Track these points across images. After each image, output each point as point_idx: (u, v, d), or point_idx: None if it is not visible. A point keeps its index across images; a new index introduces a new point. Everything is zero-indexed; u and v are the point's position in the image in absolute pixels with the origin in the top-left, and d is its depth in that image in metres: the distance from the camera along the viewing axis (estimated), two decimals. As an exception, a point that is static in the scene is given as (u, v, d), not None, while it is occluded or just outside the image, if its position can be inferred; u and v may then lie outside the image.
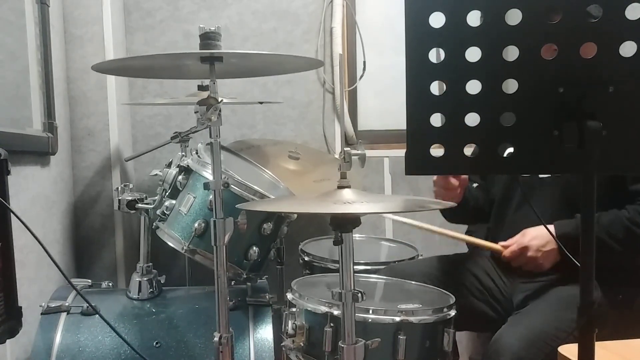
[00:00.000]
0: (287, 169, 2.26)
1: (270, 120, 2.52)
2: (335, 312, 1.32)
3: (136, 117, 2.47)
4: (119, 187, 1.74)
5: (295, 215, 1.78)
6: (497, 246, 1.62)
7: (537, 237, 1.54)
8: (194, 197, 1.61)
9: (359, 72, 2.56)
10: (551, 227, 1.51)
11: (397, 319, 1.32)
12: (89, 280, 1.76)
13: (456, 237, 1.76)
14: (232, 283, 1.77)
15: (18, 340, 1.60)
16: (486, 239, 1.86)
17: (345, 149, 1.20)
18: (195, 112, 1.34)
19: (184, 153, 1.74)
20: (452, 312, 1.40)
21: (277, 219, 1.70)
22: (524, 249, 1.56)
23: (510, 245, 1.59)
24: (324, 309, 1.36)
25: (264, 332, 1.62)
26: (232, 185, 1.53)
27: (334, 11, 2.48)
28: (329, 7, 2.49)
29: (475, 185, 1.86)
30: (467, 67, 0.93)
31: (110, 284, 1.82)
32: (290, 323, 1.40)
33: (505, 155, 0.98)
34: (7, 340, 1.05)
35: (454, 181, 1.66)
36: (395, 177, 2.57)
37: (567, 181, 1.59)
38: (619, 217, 1.50)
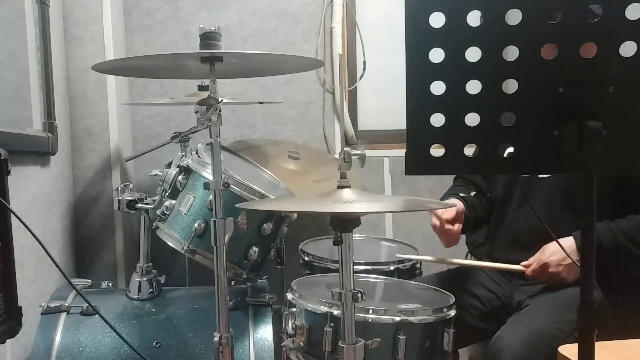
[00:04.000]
0: (287, 169, 2.26)
1: (270, 120, 2.52)
2: (335, 312, 1.32)
3: (136, 117, 2.47)
4: (119, 187, 1.74)
5: (295, 215, 1.78)
6: (519, 267, 1.60)
7: (556, 252, 1.52)
8: (194, 197, 1.61)
9: (359, 72, 2.56)
10: (570, 239, 1.50)
11: (397, 319, 1.32)
12: (89, 280, 1.76)
13: (477, 265, 1.76)
14: (232, 283, 1.77)
15: (18, 340, 1.60)
16: (486, 239, 1.86)
17: (345, 149, 1.19)
18: (195, 112, 1.34)
19: (184, 153, 1.73)
20: (452, 312, 1.40)
21: (277, 219, 1.70)
22: (545, 266, 1.54)
23: (531, 264, 1.57)
24: (324, 309, 1.36)
25: (264, 332, 1.62)
26: (232, 185, 1.53)
27: (334, 11, 2.48)
28: (329, 7, 2.49)
29: (472, 194, 1.85)
30: (467, 67, 0.93)
31: (110, 284, 1.81)
32: (290, 323, 1.40)
33: (505, 155, 0.98)
34: (7, 340, 1.05)
35: (449, 227, 1.68)
36: (395, 177, 2.57)
37: (567, 180, 1.59)
38: (639, 223, 1.50)
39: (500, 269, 1.69)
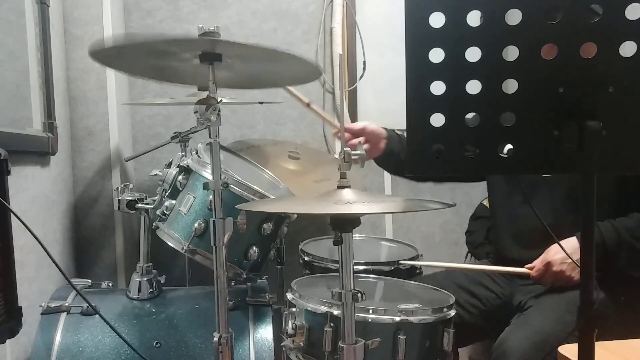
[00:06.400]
0: (287, 169, 2.26)
1: (270, 120, 2.52)
2: (335, 312, 1.32)
3: (136, 117, 2.47)
4: (119, 187, 1.74)
5: (295, 215, 1.78)
6: (523, 270, 1.59)
7: (560, 250, 1.50)
8: (193, 197, 1.61)
9: (359, 72, 2.56)
10: (573, 239, 1.49)
11: (397, 318, 1.32)
12: (89, 280, 1.76)
13: (481, 270, 1.75)
14: (232, 283, 1.77)
15: (18, 340, 1.60)
16: (487, 239, 1.86)
17: (345, 149, 1.19)
18: (194, 112, 1.34)
19: (184, 153, 1.73)
20: (452, 312, 1.40)
21: (277, 219, 1.70)
22: (548, 265, 1.52)
23: (535, 266, 1.56)
24: (324, 309, 1.36)
25: (264, 332, 1.62)
26: (231, 185, 1.53)
27: (334, 11, 2.48)
28: (329, 7, 2.50)
29: (400, 132, 1.81)
30: (467, 67, 0.93)
31: (110, 284, 1.81)
32: (290, 323, 1.40)
33: (505, 152, 0.98)
34: (7, 340, 1.05)
35: (348, 136, 1.68)
36: (395, 177, 2.57)
37: (570, 179, 1.58)
38: None
39: (505, 272, 1.68)
